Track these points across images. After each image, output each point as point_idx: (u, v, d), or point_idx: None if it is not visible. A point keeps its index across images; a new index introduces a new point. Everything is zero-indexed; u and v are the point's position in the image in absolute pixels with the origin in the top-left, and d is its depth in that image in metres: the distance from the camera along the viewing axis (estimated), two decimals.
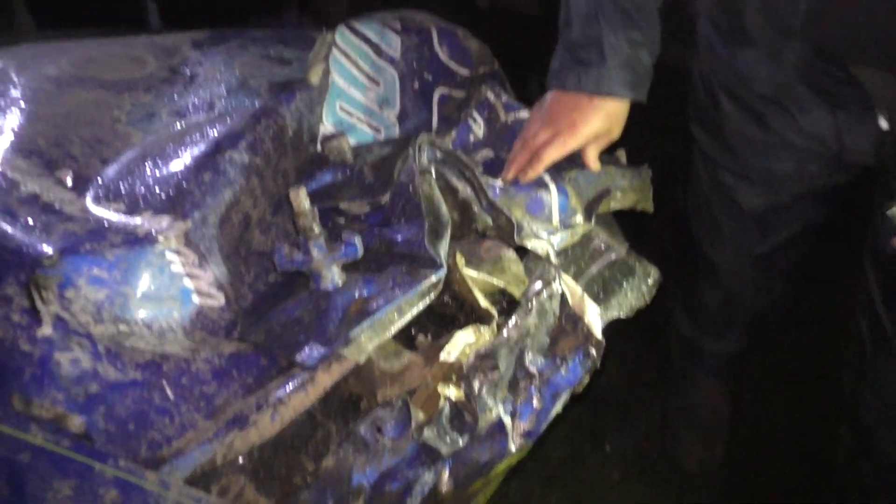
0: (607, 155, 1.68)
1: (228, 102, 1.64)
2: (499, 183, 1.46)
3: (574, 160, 1.58)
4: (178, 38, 2.05)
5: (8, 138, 1.40)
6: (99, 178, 1.28)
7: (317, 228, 1.13)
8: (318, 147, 1.53)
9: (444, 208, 1.25)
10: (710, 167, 1.97)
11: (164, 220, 1.17)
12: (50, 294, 1.00)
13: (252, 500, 1.05)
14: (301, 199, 1.11)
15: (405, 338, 1.23)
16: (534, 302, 1.06)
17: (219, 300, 1.21)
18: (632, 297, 1.84)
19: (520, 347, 1.03)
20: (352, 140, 1.65)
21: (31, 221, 1.13)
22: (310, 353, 1.06)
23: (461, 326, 1.30)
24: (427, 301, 1.19)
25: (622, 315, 1.84)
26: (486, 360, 1.03)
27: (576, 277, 1.79)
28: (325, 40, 1.69)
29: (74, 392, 0.94)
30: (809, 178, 1.78)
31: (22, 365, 0.94)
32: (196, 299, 1.18)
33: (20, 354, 0.95)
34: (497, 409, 1.00)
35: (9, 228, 1.11)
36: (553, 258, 1.33)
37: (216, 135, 1.36)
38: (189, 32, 2.09)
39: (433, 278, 1.16)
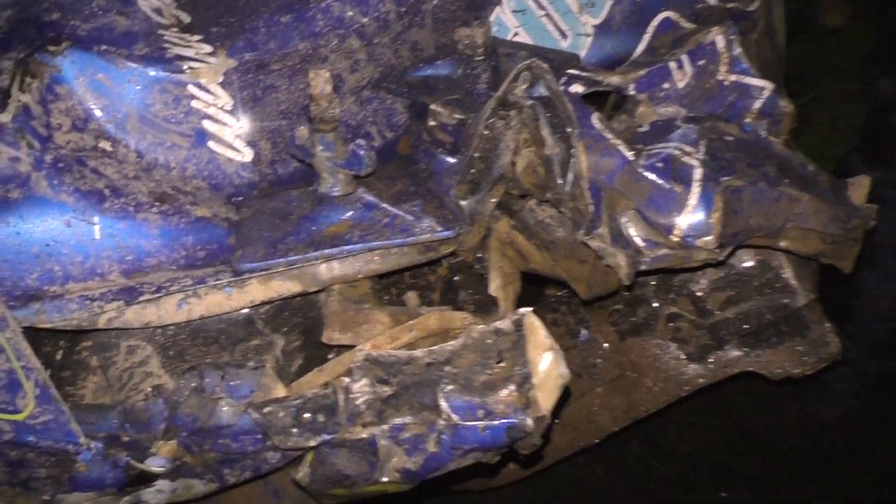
0: (835, 179, 1.20)
1: None
2: (630, 155, 1.11)
3: (761, 162, 1.15)
4: None
5: None
6: None
7: (329, 123, 0.93)
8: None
9: (503, 160, 0.97)
10: None
11: (206, 50, 1.04)
12: (35, 83, 0.93)
13: (157, 372, 0.96)
14: (320, 82, 0.91)
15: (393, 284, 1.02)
16: (475, 332, 0.78)
17: (243, 156, 1.09)
18: (789, 360, 1.40)
19: (438, 373, 0.78)
20: (527, 37, 1.36)
21: None
22: (243, 259, 0.90)
23: (475, 296, 1.05)
24: (429, 258, 0.96)
25: (763, 374, 1.42)
26: (377, 367, 0.79)
27: (724, 305, 1.40)
28: None
29: None
30: None
31: None
32: (213, 146, 1.06)
33: None
34: (373, 429, 0.78)
35: None
36: (625, 279, 0.99)
37: None
38: None
39: (433, 236, 0.91)
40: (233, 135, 1.07)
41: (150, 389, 0.88)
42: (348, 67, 1.19)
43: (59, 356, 0.99)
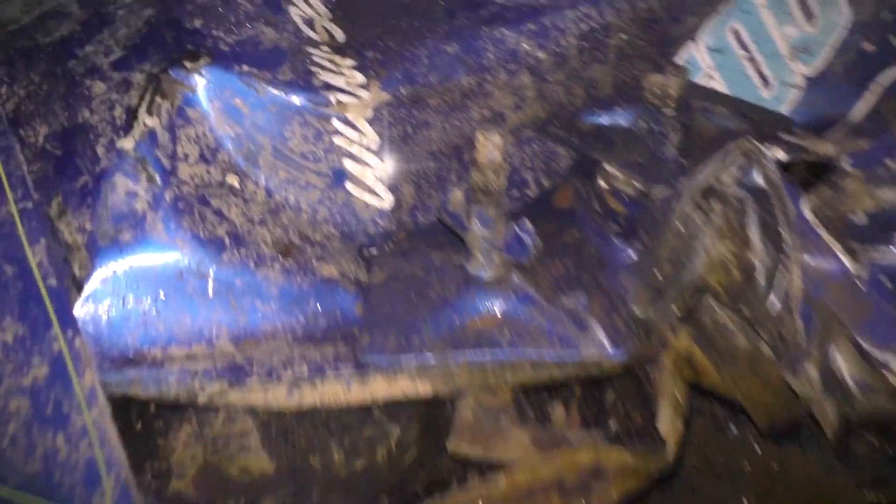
0: None
1: None
2: (848, 262, 0.89)
3: None
4: None
5: None
6: None
7: (492, 196, 0.76)
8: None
9: (696, 263, 0.78)
10: None
11: (359, 81, 0.89)
12: (165, 103, 0.81)
13: (255, 448, 0.84)
14: (489, 147, 0.74)
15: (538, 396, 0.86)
16: None
17: (382, 201, 0.94)
18: None
19: None
20: (721, 81, 1.15)
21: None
22: (370, 349, 0.75)
23: (625, 406, 0.88)
24: (588, 375, 0.79)
25: None
26: None
27: None
28: None
29: (104, 229, 0.78)
30: None
31: (79, 171, 0.80)
32: (350, 188, 0.92)
33: (89, 155, 0.80)
34: None
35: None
36: (831, 437, 0.79)
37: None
38: None
39: (601, 357, 0.74)
40: (374, 176, 0.93)
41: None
42: (512, 105, 1.02)
43: (152, 406, 0.88)
